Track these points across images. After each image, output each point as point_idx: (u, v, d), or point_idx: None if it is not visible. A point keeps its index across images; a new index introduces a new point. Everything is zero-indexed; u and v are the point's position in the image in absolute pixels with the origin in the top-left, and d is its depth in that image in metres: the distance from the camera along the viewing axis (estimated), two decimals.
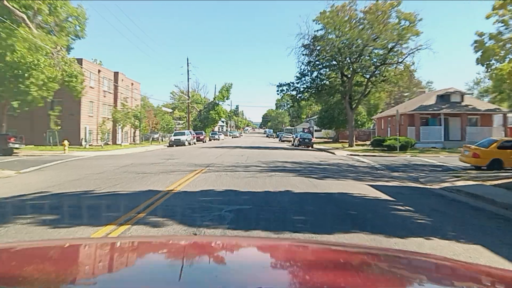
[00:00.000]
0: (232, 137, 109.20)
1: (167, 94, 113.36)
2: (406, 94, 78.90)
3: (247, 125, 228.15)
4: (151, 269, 1.70)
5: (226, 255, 2.11)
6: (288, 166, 20.31)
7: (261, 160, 22.96)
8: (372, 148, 39.58)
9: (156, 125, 56.36)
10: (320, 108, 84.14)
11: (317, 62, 43.05)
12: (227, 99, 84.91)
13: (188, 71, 73.52)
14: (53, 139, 37.62)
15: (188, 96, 76.46)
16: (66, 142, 32.77)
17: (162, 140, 62.31)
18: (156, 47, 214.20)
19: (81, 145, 39.30)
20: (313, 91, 43.33)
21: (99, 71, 46.45)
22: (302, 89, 43.63)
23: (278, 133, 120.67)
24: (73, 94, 34.28)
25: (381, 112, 63.07)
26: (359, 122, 65.29)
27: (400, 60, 40.03)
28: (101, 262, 1.93)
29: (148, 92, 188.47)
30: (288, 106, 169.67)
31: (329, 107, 63.96)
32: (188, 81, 73.43)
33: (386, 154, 32.52)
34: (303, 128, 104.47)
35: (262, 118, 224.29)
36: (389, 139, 37.34)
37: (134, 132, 56.43)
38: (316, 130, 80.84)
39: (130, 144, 51.30)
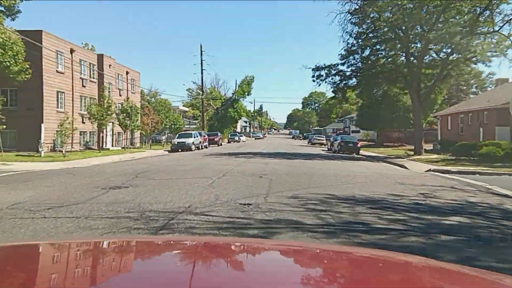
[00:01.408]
0: (255, 139, 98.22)
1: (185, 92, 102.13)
2: (463, 88, 65.61)
3: (272, 126, 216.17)
4: (158, 274, 1.48)
5: (241, 258, 1.93)
6: (384, 224, 8.14)
7: (303, 196, 10.74)
8: (453, 157, 27.14)
9: (157, 124, 44.68)
10: (357, 105, 71.76)
11: (370, 35, 30.61)
12: (248, 94, 72.82)
13: (201, 60, 62.18)
14: None
15: (202, 91, 64.75)
16: None
17: (169, 143, 50.57)
18: (172, 42, 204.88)
19: (37, 151, 27.94)
20: (366, 75, 30.45)
21: (72, 50, 34.91)
22: (349, 73, 31.05)
23: (305, 134, 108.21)
24: (9, 75, 22.97)
25: (438, 110, 50.11)
26: (411, 121, 52.43)
27: (496, 29, 27.15)
28: (101, 265, 1.74)
29: (160, 88, 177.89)
30: (315, 105, 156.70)
31: (374, 102, 51.40)
32: (201, 73, 61.64)
33: (497, 170, 20.09)
34: (335, 129, 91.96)
35: (287, 118, 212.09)
36: (485, 145, 24.94)
37: (131, 134, 45.01)
38: (353, 131, 68.05)
39: (121, 149, 39.89)
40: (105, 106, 32.68)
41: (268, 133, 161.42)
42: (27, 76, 24.24)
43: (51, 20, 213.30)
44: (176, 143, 39.62)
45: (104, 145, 39.67)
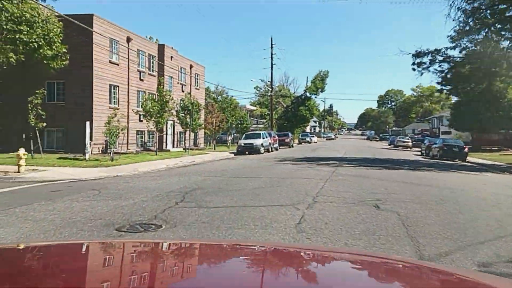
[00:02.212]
0: (326, 139, 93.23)
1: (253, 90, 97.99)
2: None
3: (342, 126, 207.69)
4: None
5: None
6: None
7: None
8: None
9: (222, 123, 40.12)
10: (439, 104, 63.70)
11: (487, 12, 23.88)
12: (322, 91, 66.65)
13: (271, 54, 57.23)
14: (34, 145, 22.75)
15: (271, 87, 59.78)
16: (21, 152, 17.42)
17: (235, 143, 45.96)
18: (241, 40, 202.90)
19: (84, 154, 23.98)
20: (484, 62, 23.62)
21: (128, 39, 30.87)
22: (460, 59, 24.36)
23: (382, 135, 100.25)
24: (42, 61, 18.98)
25: None
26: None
27: None
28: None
29: (227, 85, 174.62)
30: (392, 104, 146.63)
31: (471, 99, 43.62)
32: (271, 67, 56.66)
33: None
34: (419, 130, 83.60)
35: (359, 117, 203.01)
36: None
37: (194, 134, 40.80)
38: (443, 132, 60.05)
39: (182, 150, 35.62)
40: (162, 101, 28.33)
41: (339, 133, 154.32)
42: (63, 63, 20.25)
43: (115, 14, 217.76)
44: (242, 144, 34.76)
45: (164, 146, 35.66)
